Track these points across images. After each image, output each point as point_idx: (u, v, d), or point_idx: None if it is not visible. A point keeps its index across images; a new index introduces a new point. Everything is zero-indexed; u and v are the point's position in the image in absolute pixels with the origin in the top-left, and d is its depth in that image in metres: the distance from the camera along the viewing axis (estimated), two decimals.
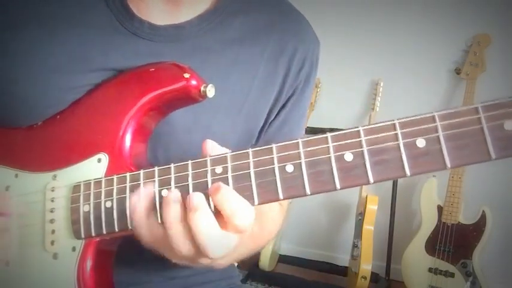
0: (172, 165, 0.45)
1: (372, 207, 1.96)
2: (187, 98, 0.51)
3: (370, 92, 2.19)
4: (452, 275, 1.79)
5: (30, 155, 0.54)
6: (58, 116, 0.54)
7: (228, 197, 0.41)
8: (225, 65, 0.59)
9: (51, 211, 0.50)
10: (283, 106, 0.65)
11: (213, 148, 0.45)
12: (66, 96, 0.54)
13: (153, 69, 0.52)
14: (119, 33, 0.56)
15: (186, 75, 0.49)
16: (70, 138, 0.53)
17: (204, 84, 0.50)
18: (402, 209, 2.10)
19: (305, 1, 2.20)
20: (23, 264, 0.51)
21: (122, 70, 0.55)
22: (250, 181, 0.42)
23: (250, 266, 2.17)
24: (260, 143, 0.66)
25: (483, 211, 1.77)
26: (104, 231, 0.47)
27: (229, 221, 0.41)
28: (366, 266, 1.89)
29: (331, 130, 1.79)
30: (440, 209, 1.85)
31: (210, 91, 0.50)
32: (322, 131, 1.75)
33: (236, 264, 0.84)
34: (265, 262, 2.12)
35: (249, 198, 0.42)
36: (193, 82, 0.49)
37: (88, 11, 0.56)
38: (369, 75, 2.19)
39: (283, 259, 2.30)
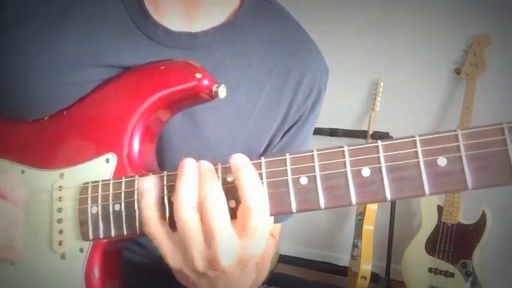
0: None
1: (372, 207, 1.96)
2: (198, 97, 0.50)
3: (370, 92, 2.19)
4: (452, 275, 1.79)
5: (37, 151, 0.53)
6: (65, 112, 0.53)
7: (250, 173, 0.40)
8: (232, 80, 0.58)
9: (59, 211, 0.50)
10: (287, 131, 0.64)
11: None
12: (73, 92, 0.53)
13: (163, 68, 0.51)
14: (132, 33, 0.54)
15: (198, 75, 0.49)
16: (78, 135, 0.52)
17: (216, 85, 0.49)
18: (402, 209, 2.11)
19: (305, 1, 2.20)
20: (29, 264, 0.51)
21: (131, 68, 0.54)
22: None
23: None
24: None
25: (483, 211, 1.78)
26: (113, 234, 0.46)
27: (245, 203, 0.39)
28: (366, 266, 1.89)
29: (331, 130, 1.81)
30: (440, 209, 1.85)
31: (222, 91, 0.49)
32: (322, 131, 1.76)
33: None
34: None
35: None
36: (205, 82, 0.49)
37: (101, 5, 0.55)
38: (369, 75, 2.19)
39: (283, 259, 2.30)
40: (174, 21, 0.56)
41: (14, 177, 0.53)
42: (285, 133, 0.64)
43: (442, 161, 0.36)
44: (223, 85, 0.49)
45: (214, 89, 0.49)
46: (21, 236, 0.51)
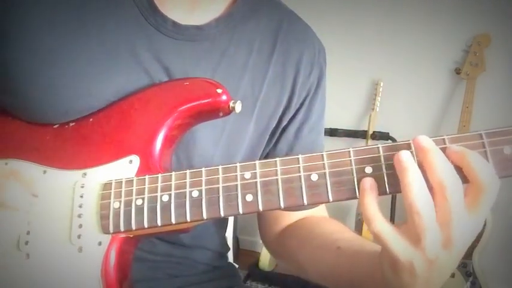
0: (203, 169, 0.48)
1: None
2: (218, 111, 0.55)
3: (370, 92, 2.19)
4: (452, 275, 1.79)
5: (60, 153, 0.56)
6: (91, 119, 0.56)
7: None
8: (236, 68, 0.62)
9: (80, 206, 0.52)
10: (299, 108, 0.67)
11: None
12: (94, 102, 0.56)
13: (187, 83, 0.56)
14: (144, 29, 0.58)
15: (219, 91, 0.54)
16: (103, 139, 0.55)
17: (233, 100, 0.54)
18: (402, 209, 2.09)
19: (306, 1, 2.20)
20: (45, 257, 0.52)
21: (147, 69, 0.57)
22: (278, 186, 0.45)
23: (250, 266, 2.17)
24: (280, 145, 0.68)
25: None
26: (133, 227, 0.49)
27: (477, 181, 0.39)
28: None
29: (331, 130, 1.82)
30: None
31: (238, 107, 0.54)
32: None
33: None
34: (265, 262, 2.12)
35: (275, 202, 0.45)
36: (224, 97, 0.54)
37: (116, 5, 0.57)
38: (369, 75, 2.19)
39: None
40: (180, 14, 0.59)
41: (34, 176, 0.55)
42: (296, 112, 0.67)
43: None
44: (239, 101, 0.55)
45: (231, 104, 0.54)
46: (38, 236, 0.53)
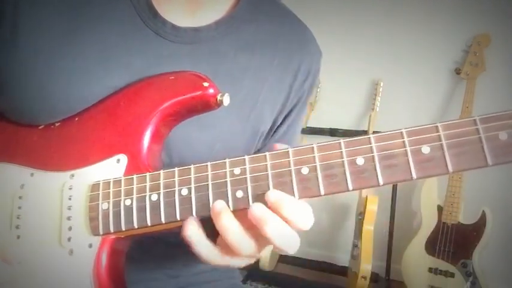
0: (192, 166, 0.47)
1: (372, 207, 1.96)
2: (205, 105, 0.53)
3: (370, 92, 2.19)
4: (452, 275, 1.79)
5: (47, 155, 0.55)
6: (76, 118, 0.55)
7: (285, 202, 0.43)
8: (237, 71, 0.61)
9: (69, 208, 0.51)
10: (289, 113, 0.67)
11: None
12: (87, 96, 0.55)
13: (173, 77, 0.54)
14: (142, 31, 0.57)
15: (205, 84, 0.52)
16: (89, 139, 0.54)
17: (221, 93, 0.52)
18: (402, 209, 2.11)
19: (306, 1, 2.21)
20: (36, 261, 0.52)
21: (143, 72, 0.56)
22: (268, 182, 0.44)
23: (250, 266, 2.17)
24: (268, 147, 0.68)
25: (483, 211, 1.77)
26: (123, 228, 0.48)
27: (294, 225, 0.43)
28: (366, 266, 1.89)
29: (331, 130, 1.81)
30: (440, 209, 1.85)
31: (226, 100, 0.53)
32: (322, 131, 1.75)
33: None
34: (265, 262, 2.12)
35: None
36: (211, 90, 0.52)
37: (112, 6, 0.57)
38: (369, 75, 2.19)
39: (283, 259, 2.30)
40: (179, 17, 0.58)
41: (21, 179, 0.54)
42: (286, 116, 0.67)
43: (426, 149, 0.40)
44: (227, 94, 0.53)
45: (219, 97, 0.52)
46: (28, 241, 0.52)
